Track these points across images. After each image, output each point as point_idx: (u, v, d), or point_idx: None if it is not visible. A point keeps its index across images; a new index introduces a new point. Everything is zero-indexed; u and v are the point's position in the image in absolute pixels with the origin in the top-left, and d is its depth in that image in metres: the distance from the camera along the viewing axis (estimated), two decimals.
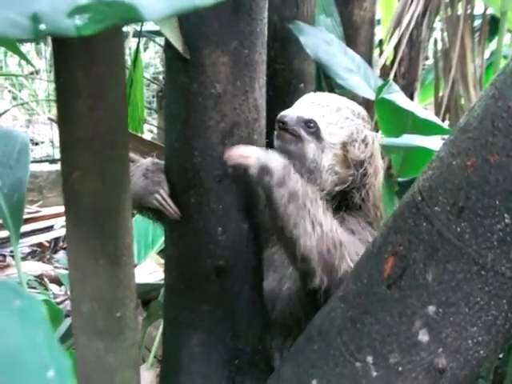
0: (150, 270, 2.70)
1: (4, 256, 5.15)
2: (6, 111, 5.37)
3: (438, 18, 4.87)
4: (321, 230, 1.61)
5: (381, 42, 4.82)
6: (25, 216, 5.16)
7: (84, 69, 1.27)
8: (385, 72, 4.71)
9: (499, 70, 1.32)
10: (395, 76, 4.61)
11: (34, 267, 4.90)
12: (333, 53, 3.90)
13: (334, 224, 1.66)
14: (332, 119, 1.85)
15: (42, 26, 0.83)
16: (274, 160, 1.59)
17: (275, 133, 1.84)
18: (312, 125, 1.81)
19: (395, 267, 1.39)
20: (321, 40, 3.87)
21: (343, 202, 1.83)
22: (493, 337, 1.34)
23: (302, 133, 1.80)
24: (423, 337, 1.36)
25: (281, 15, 3.93)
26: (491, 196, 1.25)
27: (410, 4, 4.43)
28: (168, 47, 1.58)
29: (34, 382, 0.83)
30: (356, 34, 4.59)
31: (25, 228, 5.07)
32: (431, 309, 1.35)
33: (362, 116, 1.92)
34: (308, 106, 1.88)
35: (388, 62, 4.73)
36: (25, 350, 0.89)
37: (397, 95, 3.42)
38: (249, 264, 1.72)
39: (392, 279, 1.39)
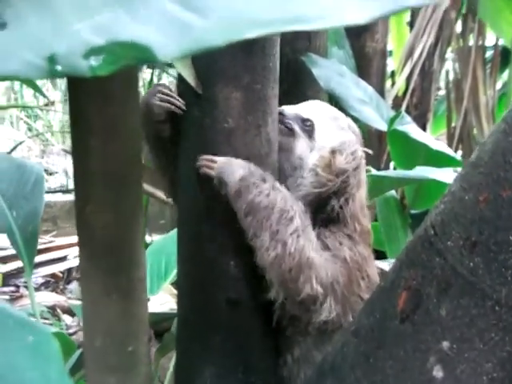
0: (162, 300, 2.71)
1: (17, 286, 5.17)
2: (20, 143, 5.42)
3: (449, 49, 4.89)
4: (282, 249, 1.60)
5: (393, 73, 4.85)
6: (38, 246, 5.20)
7: (98, 108, 1.29)
8: (397, 103, 4.73)
9: (510, 104, 1.33)
10: (407, 107, 4.63)
11: (48, 298, 4.91)
12: (345, 84, 3.93)
13: (308, 243, 1.65)
14: (328, 125, 1.89)
15: (58, 67, 0.84)
16: (232, 172, 1.59)
17: None
18: (308, 123, 1.85)
19: (408, 302, 1.38)
20: (333, 72, 3.90)
21: (321, 208, 1.82)
22: (508, 373, 1.32)
23: (296, 128, 1.83)
24: (438, 373, 1.35)
25: (293, 48, 3.97)
26: (504, 231, 1.25)
27: (422, 35, 4.46)
28: (181, 81, 1.60)
29: None
30: (368, 66, 4.62)
31: (38, 258, 5.09)
32: (445, 344, 1.33)
33: (356, 132, 1.95)
34: (308, 107, 1.93)
35: (400, 93, 4.75)
36: None
37: (409, 126, 3.44)
38: (261, 297, 1.71)
39: (405, 314, 1.38)
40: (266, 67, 1.58)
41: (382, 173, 2.82)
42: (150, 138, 1.73)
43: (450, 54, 5.04)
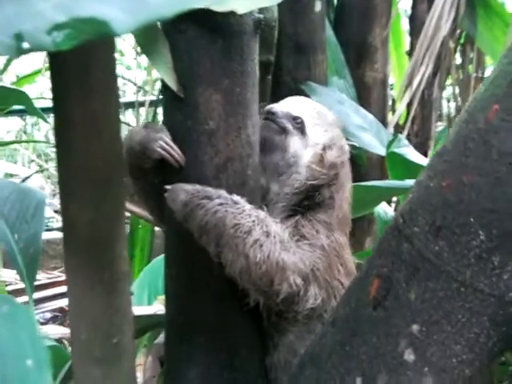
0: (155, 309, 2.75)
1: None
2: (28, 176, 5.55)
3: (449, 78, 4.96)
4: (246, 262, 1.63)
5: (394, 102, 4.92)
6: (46, 281, 5.27)
7: (81, 104, 1.35)
8: (398, 131, 4.78)
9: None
10: (408, 134, 4.67)
11: (54, 331, 4.93)
12: (345, 112, 4.01)
13: (275, 246, 1.67)
14: (317, 121, 1.94)
15: (25, 44, 0.92)
16: (175, 198, 1.64)
17: (261, 123, 1.88)
18: (299, 121, 1.90)
19: (380, 288, 1.43)
20: (333, 99, 3.99)
21: (310, 197, 1.88)
22: (477, 355, 1.36)
23: (289, 126, 1.88)
24: (409, 356, 1.39)
25: (294, 77, 4.08)
26: (466, 214, 1.30)
27: (420, 64, 4.52)
28: (164, 89, 1.67)
29: (14, 368, 0.90)
30: (368, 95, 4.70)
31: (46, 293, 5.13)
32: (415, 327, 1.38)
33: (341, 127, 2.03)
34: (296, 104, 1.97)
35: (401, 121, 4.80)
36: (9, 345, 0.96)
37: (406, 149, 3.49)
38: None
39: (377, 300, 1.43)
40: (244, 72, 1.65)
41: (374, 183, 2.85)
42: (133, 168, 1.78)
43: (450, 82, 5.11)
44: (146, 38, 1.59)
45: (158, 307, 2.72)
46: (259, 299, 1.71)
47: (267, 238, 1.66)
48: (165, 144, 1.67)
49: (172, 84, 1.61)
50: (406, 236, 1.40)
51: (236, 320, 1.77)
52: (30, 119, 8.49)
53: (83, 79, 1.34)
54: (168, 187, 1.65)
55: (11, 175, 6.79)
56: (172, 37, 1.61)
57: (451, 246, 1.33)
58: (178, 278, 1.77)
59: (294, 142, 1.88)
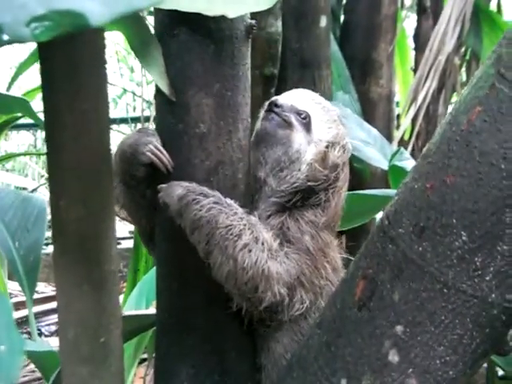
0: (147, 312, 2.76)
1: (29, 333, 5.21)
2: (35, 189, 5.58)
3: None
4: (233, 265, 1.62)
5: (399, 117, 4.93)
6: (52, 294, 5.27)
7: (68, 102, 1.37)
8: (403, 146, 4.78)
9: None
10: (413, 149, 4.67)
11: (57, 343, 4.92)
12: (349, 126, 4.01)
13: (263, 253, 1.66)
14: (323, 117, 1.88)
15: (4, 36, 0.94)
16: (171, 193, 1.64)
17: (261, 114, 1.87)
18: (304, 116, 1.84)
19: (365, 290, 1.44)
20: None
21: (305, 198, 1.82)
22: (460, 357, 1.37)
23: (294, 121, 1.82)
24: (393, 357, 1.39)
25: None
26: (449, 215, 1.31)
27: (425, 80, 4.53)
28: (157, 92, 1.70)
29: None
30: (374, 110, 4.72)
31: (52, 305, 5.15)
32: (399, 328, 1.38)
33: (344, 124, 1.96)
34: (302, 98, 1.92)
35: (406, 137, 4.80)
36: None
37: (407, 162, 3.51)
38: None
39: (362, 301, 1.44)
40: (235, 76, 1.67)
41: (371, 191, 2.85)
42: (125, 175, 1.77)
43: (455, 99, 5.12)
44: (139, 41, 1.61)
45: (152, 310, 2.73)
46: (242, 305, 1.70)
47: (256, 244, 1.65)
48: (154, 148, 1.67)
49: (164, 87, 1.64)
50: (390, 237, 1.41)
51: (226, 322, 1.77)
52: (40, 134, 8.55)
53: (72, 78, 1.36)
54: (163, 185, 1.66)
55: (21, 188, 6.84)
56: (164, 41, 1.64)
57: (434, 246, 1.34)
58: (169, 279, 1.79)
59: (299, 138, 1.82)
